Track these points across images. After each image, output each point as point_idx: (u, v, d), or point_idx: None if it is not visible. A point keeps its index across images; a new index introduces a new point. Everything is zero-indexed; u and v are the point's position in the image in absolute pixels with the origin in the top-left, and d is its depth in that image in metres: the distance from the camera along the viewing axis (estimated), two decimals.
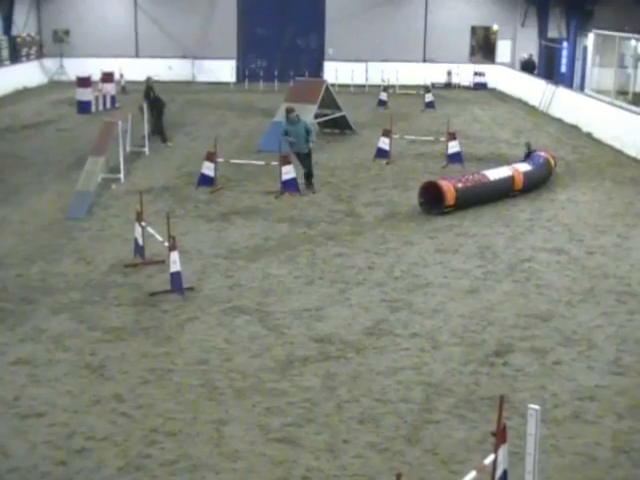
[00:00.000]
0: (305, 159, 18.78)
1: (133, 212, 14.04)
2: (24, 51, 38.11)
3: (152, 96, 23.95)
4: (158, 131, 23.78)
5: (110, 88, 31.29)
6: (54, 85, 37.27)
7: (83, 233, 15.34)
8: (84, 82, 29.93)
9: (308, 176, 18.81)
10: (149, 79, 24.99)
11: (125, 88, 33.92)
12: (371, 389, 9.44)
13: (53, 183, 19.12)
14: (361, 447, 8.23)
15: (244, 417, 8.77)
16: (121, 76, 34.42)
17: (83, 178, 17.47)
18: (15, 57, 37.20)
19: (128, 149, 21.43)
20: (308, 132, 18.48)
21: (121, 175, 19.07)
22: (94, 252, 14.18)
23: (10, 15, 36.68)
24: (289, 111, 18.62)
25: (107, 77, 31.46)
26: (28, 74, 37.08)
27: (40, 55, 39.29)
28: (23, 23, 38.04)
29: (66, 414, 8.81)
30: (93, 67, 32.95)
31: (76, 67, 35.33)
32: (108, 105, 30.74)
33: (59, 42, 38.87)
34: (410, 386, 9.51)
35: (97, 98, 30.25)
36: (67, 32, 39.08)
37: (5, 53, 36.53)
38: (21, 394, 9.23)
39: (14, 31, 37.16)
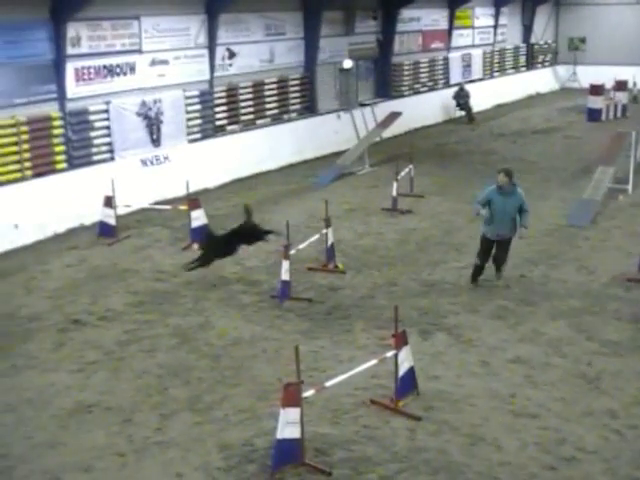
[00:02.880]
0: (500, 246, 12.89)
1: (637, 225, 13.61)
2: (539, 58, 39.19)
3: None
4: None
5: (622, 97, 30.73)
6: (565, 92, 37.62)
7: (585, 242, 15.29)
8: (596, 90, 29.86)
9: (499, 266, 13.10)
10: None
11: (637, 97, 32.96)
12: None
13: (558, 189, 19.30)
14: None
15: None
16: (634, 85, 33.52)
17: (591, 186, 17.45)
18: (531, 64, 38.42)
19: (638, 160, 20.79)
20: (522, 210, 12.61)
21: (629, 186, 18.59)
22: (595, 262, 14.05)
23: (531, 25, 38.04)
24: (504, 173, 12.45)
25: (620, 85, 30.95)
26: (541, 80, 38.25)
27: (554, 62, 39.97)
28: (541, 32, 39.07)
29: (558, 420, 8.88)
30: (605, 75, 32.53)
31: (588, 75, 35.26)
32: (618, 114, 30.19)
33: (574, 50, 39.10)
34: None
35: (607, 106, 29.94)
36: (583, 40, 39.08)
37: (522, 60, 37.93)
38: (517, 392, 9.51)
39: (532, 39, 38.40)
